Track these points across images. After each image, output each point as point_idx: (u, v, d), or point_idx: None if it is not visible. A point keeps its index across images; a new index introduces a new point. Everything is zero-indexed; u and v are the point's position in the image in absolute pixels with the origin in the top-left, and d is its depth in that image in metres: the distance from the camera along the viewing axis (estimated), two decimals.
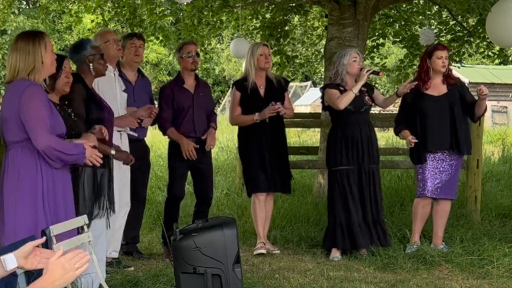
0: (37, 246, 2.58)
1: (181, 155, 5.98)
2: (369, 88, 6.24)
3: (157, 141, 12.75)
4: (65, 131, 4.10)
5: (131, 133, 5.75)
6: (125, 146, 5.57)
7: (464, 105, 6.06)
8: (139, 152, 5.75)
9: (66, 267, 2.28)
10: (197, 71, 6.30)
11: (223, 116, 19.37)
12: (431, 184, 6.07)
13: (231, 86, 6.58)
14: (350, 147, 6.00)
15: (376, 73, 6.16)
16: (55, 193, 3.96)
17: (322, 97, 6.18)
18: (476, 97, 6.04)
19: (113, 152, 4.91)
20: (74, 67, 4.93)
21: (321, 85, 7.04)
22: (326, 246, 6.11)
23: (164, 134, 6.11)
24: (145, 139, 6.17)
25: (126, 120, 5.59)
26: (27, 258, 2.53)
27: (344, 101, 5.94)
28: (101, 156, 4.15)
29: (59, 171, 4.00)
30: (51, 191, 3.94)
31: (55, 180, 3.97)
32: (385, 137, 14.78)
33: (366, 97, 6.13)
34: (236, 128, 6.48)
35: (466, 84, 6.49)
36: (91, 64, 4.87)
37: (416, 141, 6.00)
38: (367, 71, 6.01)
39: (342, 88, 6.05)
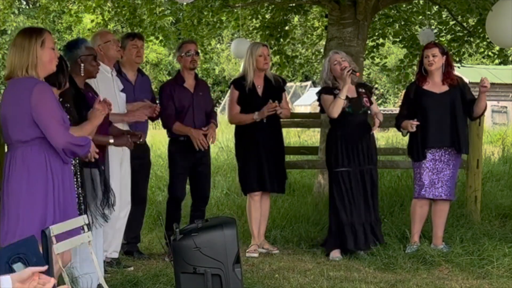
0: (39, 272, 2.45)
1: (182, 154, 5.99)
2: (367, 89, 6.24)
3: (157, 141, 12.75)
4: (70, 125, 4.07)
5: None
6: None
7: (463, 104, 6.06)
8: (139, 152, 5.75)
9: None
10: (196, 71, 6.31)
11: (222, 116, 19.36)
12: (428, 184, 6.06)
13: (229, 85, 6.56)
14: (350, 149, 6.00)
15: (353, 72, 6.07)
16: (64, 191, 3.91)
17: (319, 101, 6.18)
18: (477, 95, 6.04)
19: (111, 140, 4.85)
20: None
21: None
22: (328, 247, 6.08)
23: (170, 130, 6.04)
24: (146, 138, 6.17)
25: (135, 115, 5.62)
26: (24, 282, 2.40)
27: (335, 110, 5.94)
28: (97, 150, 4.24)
29: (67, 170, 3.97)
30: (61, 189, 3.88)
31: (64, 178, 3.92)
32: (385, 137, 14.79)
33: (365, 99, 6.12)
34: (234, 127, 6.49)
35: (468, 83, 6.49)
36: (82, 65, 4.81)
37: (418, 123, 5.96)
38: (348, 71, 5.94)
39: (336, 92, 6.01)
